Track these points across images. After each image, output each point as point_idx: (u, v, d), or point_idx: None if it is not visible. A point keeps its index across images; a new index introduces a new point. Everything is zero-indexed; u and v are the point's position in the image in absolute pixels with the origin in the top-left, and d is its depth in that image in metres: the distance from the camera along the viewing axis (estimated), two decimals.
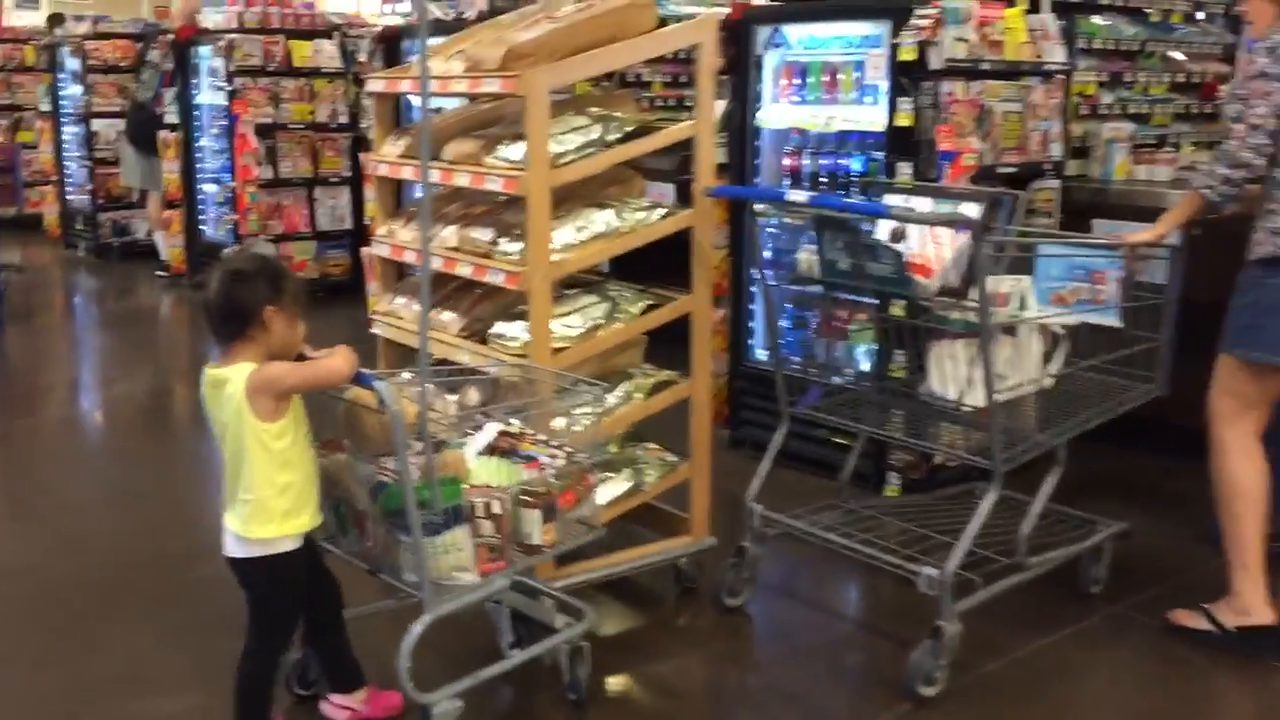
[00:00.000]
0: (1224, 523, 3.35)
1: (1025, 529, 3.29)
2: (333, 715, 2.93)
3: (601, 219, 3.30)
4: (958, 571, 3.16)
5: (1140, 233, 3.43)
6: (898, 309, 3.45)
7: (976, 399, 3.12)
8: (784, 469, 4.51)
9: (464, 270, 3.33)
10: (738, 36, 4.80)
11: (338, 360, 2.65)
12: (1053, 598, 3.63)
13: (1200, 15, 5.89)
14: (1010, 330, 3.36)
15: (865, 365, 4.19)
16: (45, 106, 10.90)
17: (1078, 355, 3.46)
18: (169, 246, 9.24)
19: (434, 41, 4.08)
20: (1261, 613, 3.31)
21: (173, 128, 8.83)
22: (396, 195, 3.93)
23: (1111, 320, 3.52)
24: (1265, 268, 3.18)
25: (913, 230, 3.21)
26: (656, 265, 3.63)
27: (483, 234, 3.34)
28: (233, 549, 2.71)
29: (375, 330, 3.76)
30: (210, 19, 8.57)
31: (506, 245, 3.26)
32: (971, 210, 3.17)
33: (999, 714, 3.08)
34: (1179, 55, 5.61)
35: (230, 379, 2.61)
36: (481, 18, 5.66)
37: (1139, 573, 3.81)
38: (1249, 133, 3.12)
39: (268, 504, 2.64)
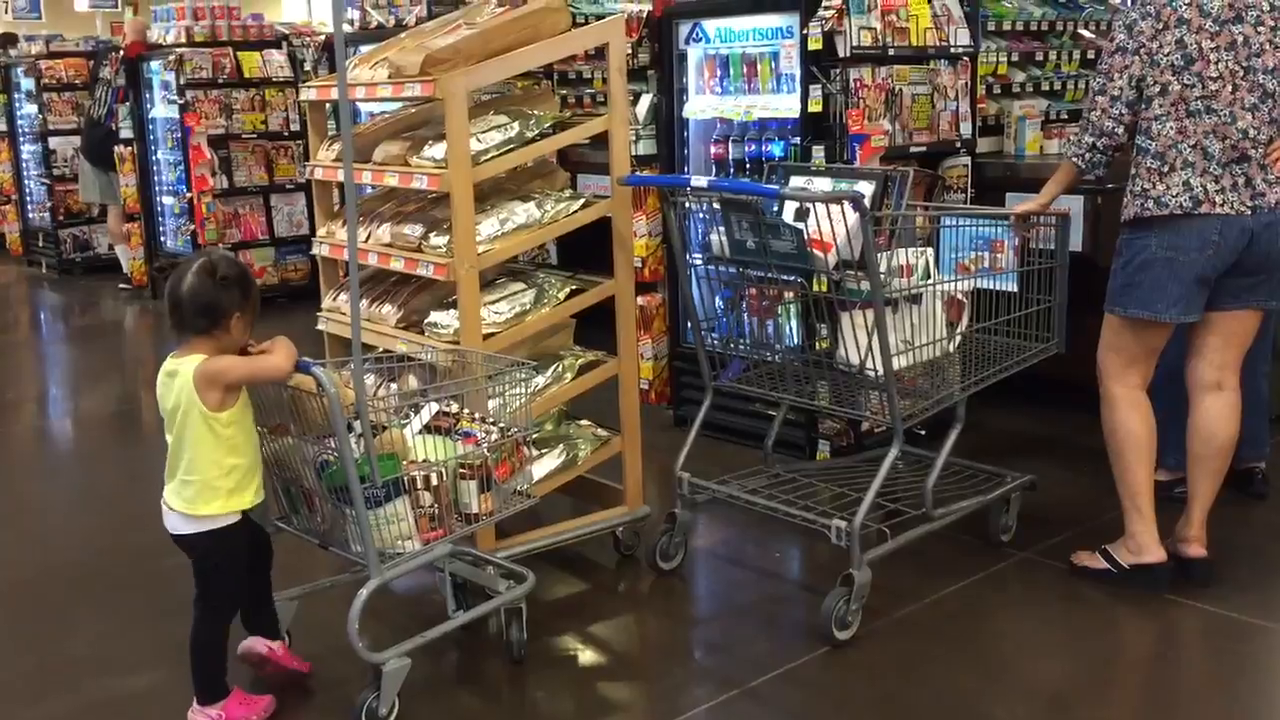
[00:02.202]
0: (1116, 470, 3.60)
1: (930, 483, 3.53)
2: None
3: (524, 211, 3.53)
4: (869, 524, 3.41)
5: (1026, 203, 3.68)
6: (820, 284, 3.69)
7: (876, 363, 3.36)
8: (724, 443, 4.79)
9: (396, 264, 3.55)
10: (660, 33, 5.04)
11: (279, 358, 2.87)
12: (966, 547, 3.89)
13: None
14: (915, 298, 3.61)
15: (795, 340, 4.44)
16: (1, 127, 11.02)
17: (983, 319, 3.72)
18: (130, 259, 9.41)
19: (367, 49, 4.30)
20: (1153, 551, 3.57)
21: (128, 142, 8.99)
22: (335, 198, 4.14)
23: (1009, 285, 3.77)
24: (1132, 228, 3.43)
25: (819, 209, 3.45)
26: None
27: (413, 230, 3.57)
28: (178, 526, 2.93)
29: (320, 326, 3.98)
30: (160, 34, 8.73)
31: (435, 239, 3.49)
32: (865, 188, 3.42)
33: (911, 652, 3.32)
34: (1088, 33, 5.86)
35: (180, 371, 2.85)
36: (420, 23, 5.87)
37: (1048, 521, 4.07)
38: (1110, 103, 3.38)
39: (213, 484, 2.87)
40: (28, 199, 10.87)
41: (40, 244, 10.76)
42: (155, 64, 8.73)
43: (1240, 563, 3.73)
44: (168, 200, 8.97)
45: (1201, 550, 3.60)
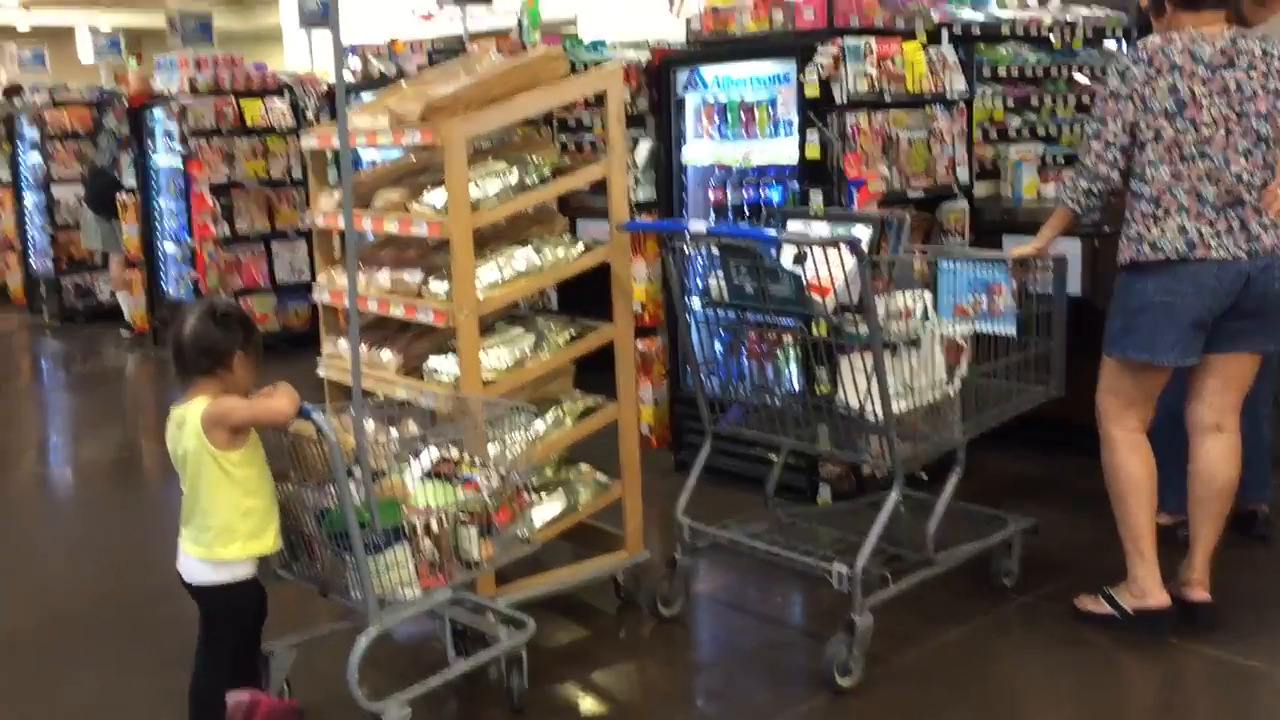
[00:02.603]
0: (1117, 514, 3.59)
1: (931, 527, 3.52)
2: None
3: (523, 256, 3.55)
4: (871, 568, 3.40)
5: (1023, 247, 3.70)
6: (819, 328, 3.70)
7: (876, 407, 3.36)
8: (724, 487, 4.77)
9: (396, 311, 3.57)
10: (659, 80, 5.09)
11: (282, 401, 2.88)
12: (968, 592, 3.86)
13: (1111, 44, 6.22)
14: (914, 342, 3.61)
15: (795, 384, 4.44)
16: (5, 176, 11.09)
17: (982, 363, 3.72)
18: (132, 306, 9.44)
19: (368, 97, 4.35)
20: (1157, 596, 3.55)
21: (131, 190, 9.04)
22: (336, 245, 4.16)
23: (1008, 329, 3.78)
24: (1128, 272, 3.45)
25: (817, 253, 3.47)
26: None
27: (413, 276, 3.58)
28: (198, 575, 2.92)
29: (320, 372, 3.99)
30: (163, 84, 8.80)
31: (435, 285, 3.50)
32: (862, 232, 3.44)
33: (913, 700, 3.29)
34: (1082, 78, 5.92)
35: (188, 417, 2.86)
36: (420, 71, 5.93)
37: (1050, 565, 4.05)
38: (1104, 149, 3.41)
39: (232, 526, 2.87)
40: (30, 247, 10.92)
41: (43, 292, 10.79)
42: (159, 113, 8.79)
43: (1245, 606, 3.71)
44: (170, 248, 9.01)
45: (1205, 594, 3.59)
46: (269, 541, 2.95)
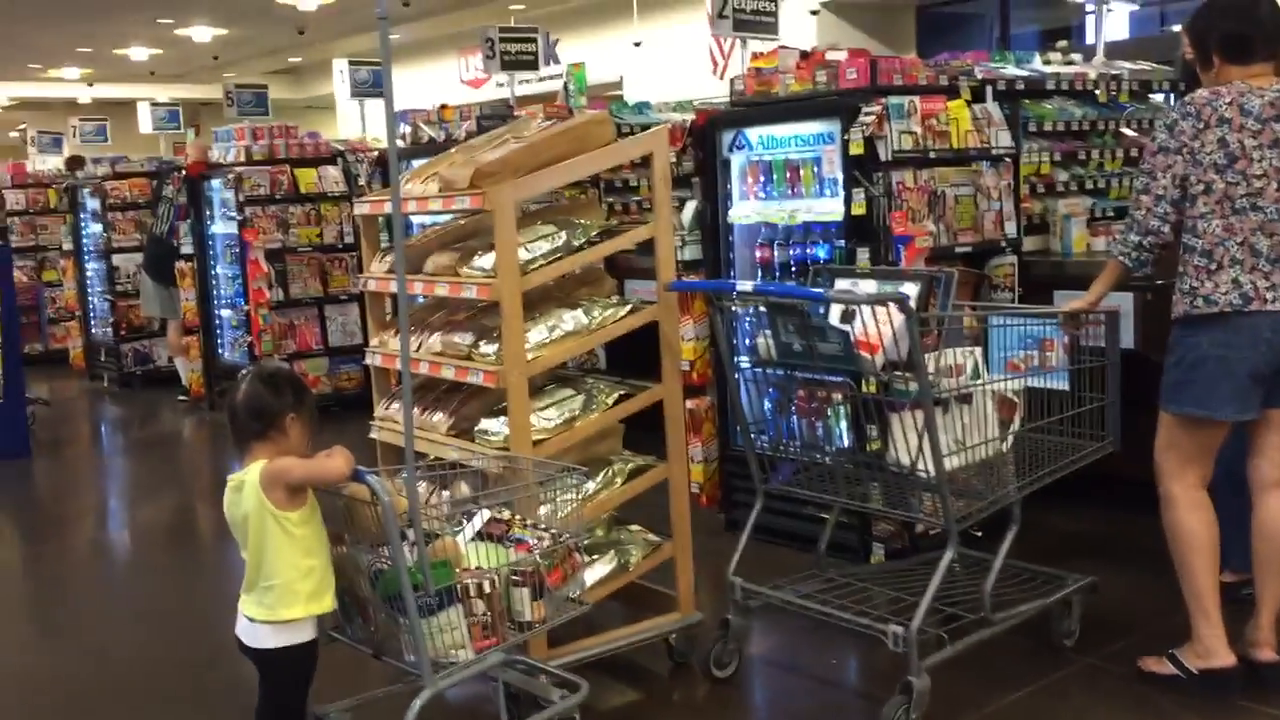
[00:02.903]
0: (1179, 572, 3.52)
1: (988, 586, 3.47)
2: None
3: (571, 318, 3.59)
4: (927, 629, 3.35)
5: (1075, 301, 3.67)
6: (869, 385, 3.68)
7: (928, 464, 3.33)
8: (776, 547, 4.74)
9: (447, 373, 3.60)
10: (704, 140, 5.13)
11: (337, 461, 2.92)
12: (1028, 652, 3.79)
13: (1157, 97, 6.20)
14: (966, 398, 3.59)
15: (845, 441, 4.42)
16: (68, 245, 11.38)
17: (1036, 418, 3.69)
18: (189, 371, 9.60)
19: (419, 163, 4.42)
20: (1222, 655, 3.47)
21: (188, 258, 9.23)
22: (387, 308, 4.22)
23: (1061, 384, 3.75)
24: (1183, 326, 3.41)
25: (865, 310, 3.47)
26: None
27: (463, 338, 3.63)
28: (261, 639, 2.93)
29: (373, 435, 4.03)
30: (220, 154, 9.02)
31: (485, 347, 3.54)
32: (910, 289, 3.43)
33: None
34: (1130, 131, 5.90)
35: (246, 480, 2.91)
36: (470, 137, 6.03)
37: (1111, 624, 3.97)
38: (1154, 202, 3.39)
39: (294, 586, 2.89)
40: (91, 315, 11.16)
41: (102, 358, 11.00)
42: (216, 182, 9.00)
43: None
44: (225, 313, 9.17)
45: (1272, 654, 3.50)
46: (328, 602, 2.98)
